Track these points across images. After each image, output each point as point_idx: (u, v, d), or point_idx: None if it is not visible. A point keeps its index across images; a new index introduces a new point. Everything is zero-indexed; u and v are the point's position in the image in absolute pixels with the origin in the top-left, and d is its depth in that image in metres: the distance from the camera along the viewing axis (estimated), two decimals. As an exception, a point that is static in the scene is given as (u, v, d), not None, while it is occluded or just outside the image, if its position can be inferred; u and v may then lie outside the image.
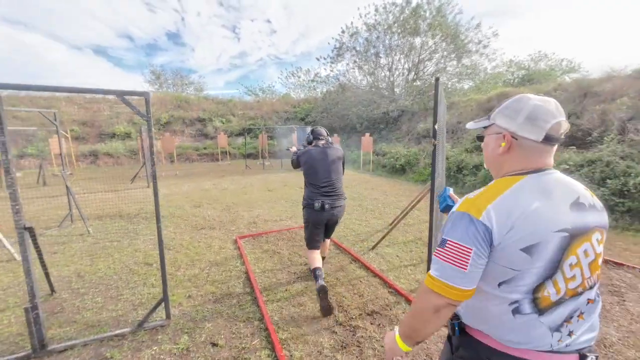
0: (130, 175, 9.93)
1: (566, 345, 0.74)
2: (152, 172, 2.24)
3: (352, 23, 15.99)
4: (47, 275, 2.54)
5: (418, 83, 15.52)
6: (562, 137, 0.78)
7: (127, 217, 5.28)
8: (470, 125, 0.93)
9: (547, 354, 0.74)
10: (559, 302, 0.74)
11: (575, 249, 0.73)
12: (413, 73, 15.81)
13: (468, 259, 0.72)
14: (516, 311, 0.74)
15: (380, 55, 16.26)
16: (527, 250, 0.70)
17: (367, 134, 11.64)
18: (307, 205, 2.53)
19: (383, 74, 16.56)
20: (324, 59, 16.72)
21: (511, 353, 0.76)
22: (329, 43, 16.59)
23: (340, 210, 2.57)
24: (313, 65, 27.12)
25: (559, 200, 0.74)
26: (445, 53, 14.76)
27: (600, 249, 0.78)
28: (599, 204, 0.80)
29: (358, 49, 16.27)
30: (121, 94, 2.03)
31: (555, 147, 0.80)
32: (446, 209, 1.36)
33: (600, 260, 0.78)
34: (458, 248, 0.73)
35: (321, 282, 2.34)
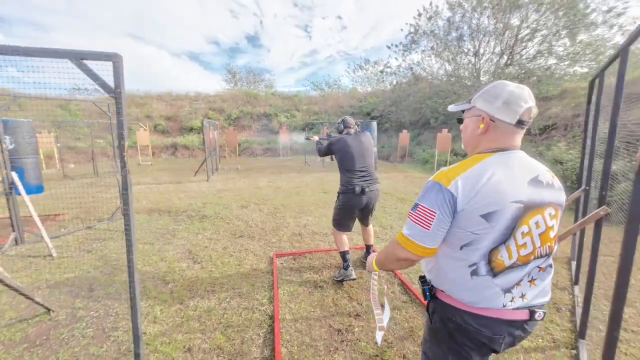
0: (202, 167, 10.26)
1: (517, 306, 0.87)
2: (122, 165, 1.50)
3: (431, 3, 13.83)
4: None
5: (512, 69, 12.73)
6: (531, 121, 0.88)
7: (174, 214, 5.01)
8: (451, 107, 1.04)
9: (499, 310, 0.86)
10: (511, 267, 0.85)
11: (527, 219, 0.84)
12: (506, 57, 13.04)
13: (432, 221, 0.85)
14: (474, 273, 0.86)
15: (464, 38, 13.87)
16: (486, 216, 0.81)
17: (445, 130, 9.83)
18: (347, 191, 2.59)
19: (466, 60, 14.12)
20: (396, 46, 15.04)
21: (472, 311, 0.88)
22: (402, 29, 14.74)
23: (376, 193, 2.70)
24: (382, 57, 25.37)
25: (519, 175, 0.85)
26: (554, 29, 11.67)
27: (552, 222, 0.88)
28: (557, 184, 0.91)
29: (437, 32, 14.16)
30: (78, 57, 1.32)
31: (524, 129, 0.90)
32: None
33: (552, 234, 0.88)
34: (425, 211, 0.86)
35: (352, 272, 2.65)
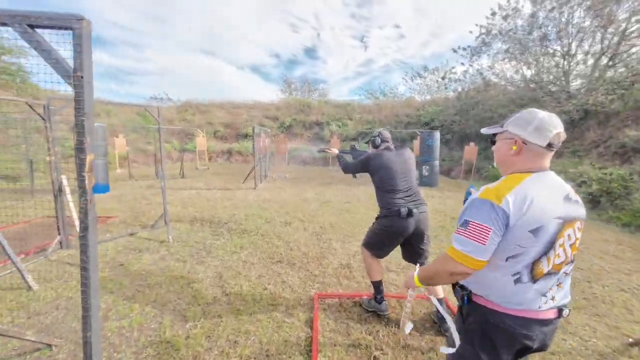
0: (250, 174, 10.27)
1: (549, 307, 0.99)
2: (81, 184, 1.01)
3: (508, 0, 12.19)
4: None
5: (615, 72, 10.41)
6: (559, 145, 0.99)
7: (215, 225, 4.72)
8: (484, 130, 1.16)
9: (535, 311, 0.98)
10: (547, 274, 0.97)
11: (563, 233, 0.95)
12: (607, 58, 10.74)
13: (487, 236, 0.92)
14: (517, 280, 0.97)
15: (550, 37, 11.87)
16: (534, 231, 0.92)
17: (472, 144, 8.30)
18: (390, 214, 2.18)
19: (551, 63, 12.04)
20: (464, 49, 13.55)
21: (510, 313, 0.98)
22: (470, 32, 13.26)
23: (426, 217, 2.27)
24: (443, 64, 23.52)
25: (555, 194, 0.97)
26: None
27: (579, 234, 1.00)
28: (579, 199, 1.03)
29: (514, 33, 12.37)
30: (24, 23, 0.84)
31: (553, 152, 1.00)
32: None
33: (577, 243, 1.01)
34: (480, 227, 0.93)
35: (386, 307, 2.36)
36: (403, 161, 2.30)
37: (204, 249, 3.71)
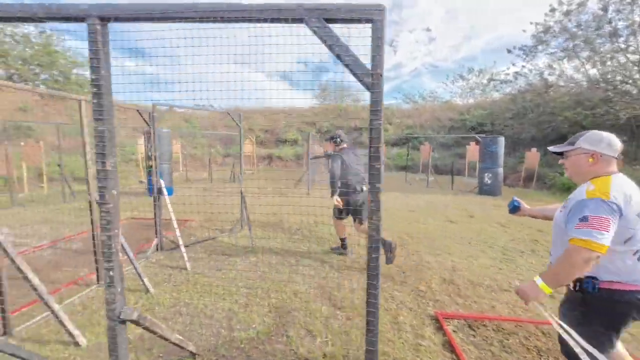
0: (293, 178, 10.32)
1: None
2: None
3: (574, -6, 11.30)
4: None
5: None
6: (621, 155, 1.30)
7: (288, 231, 4.68)
8: (553, 148, 1.45)
9: None
10: None
11: None
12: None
13: (608, 225, 1.14)
14: (629, 255, 1.21)
15: (621, 33, 10.81)
16: (639, 214, 1.19)
17: (534, 149, 7.54)
18: (349, 190, 3.38)
19: (623, 60, 10.93)
20: (521, 49, 12.73)
21: (629, 287, 1.20)
22: (524, 30, 12.43)
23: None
24: (481, 65, 22.44)
25: (634, 187, 1.26)
26: None
27: None
28: None
29: (579, 30, 11.42)
30: (321, 17, 0.76)
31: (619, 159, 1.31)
32: (514, 209, 1.77)
33: None
34: (601, 219, 1.15)
35: (350, 251, 3.73)
36: (356, 156, 3.59)
37: (290, 255, 3.65)
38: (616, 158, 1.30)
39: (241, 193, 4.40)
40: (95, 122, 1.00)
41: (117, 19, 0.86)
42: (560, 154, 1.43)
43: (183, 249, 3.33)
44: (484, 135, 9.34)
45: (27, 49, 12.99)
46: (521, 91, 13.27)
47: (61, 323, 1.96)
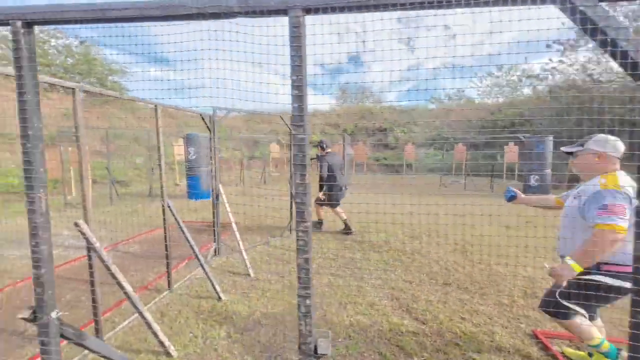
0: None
1: None
2: None
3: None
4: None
5: None
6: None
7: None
8: (565, 148, 1.73)
9: None
10: None
11: None
12: None
13: (625, 210, 1.41)
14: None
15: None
16: (635, 205, 1.30)
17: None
18: (335, 188, 4.69)
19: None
20: (560, 43, 12.07)
21: (628, 269, 1.41)
22: (563, 23, 11.71)
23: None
24: (515, 61, 21.48)
25: (633, 181, 1.46)
26: None
27: None
28: None
29: (624, 19, 10.66)
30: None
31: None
32: (511, 198, 2.01)
33: None
34: (618, 206, 1.42)
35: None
36: (339, 159, 4.89)
37: (349, 262, 3.52)
38: (619, 158, 1.58)
39: (291, 196, 4.32)
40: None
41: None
42: (571, 153, 1.71)
43: (245, 254, 3.28)
44: (528, 135, 8.85)
45: (68, 59, 13.71)
46: (562, 87, 12.55)
47: (154, 334, 1.93)
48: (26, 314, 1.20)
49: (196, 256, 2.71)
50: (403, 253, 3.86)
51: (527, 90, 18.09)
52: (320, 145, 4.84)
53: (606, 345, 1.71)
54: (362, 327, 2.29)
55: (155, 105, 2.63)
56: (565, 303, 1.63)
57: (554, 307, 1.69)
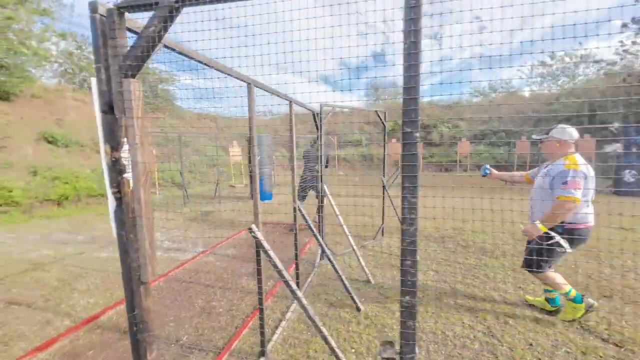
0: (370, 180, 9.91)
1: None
2: None
3: None
4: None
5: None
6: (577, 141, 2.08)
7: (435, 239, 4.22)
8: (535, 136, 2.23)
9: (591, 223, 2.03)
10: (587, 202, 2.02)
11: None
12: None
13: (581, 185, 1.90)
14: (587, 204, 2.00)
15: None
16: (590, 179, 1.96)
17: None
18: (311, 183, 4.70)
19: None
20: (635, 22, 10.77)
21: (586, 226, 2.02)
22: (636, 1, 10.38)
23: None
24: (556, 48, 19.72)
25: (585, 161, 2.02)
26: None
27: None
28: None
29: None
30: None
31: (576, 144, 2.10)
32: (485, 175, 2.51)
33: None
34: (577, 182, 1.90)
35: None
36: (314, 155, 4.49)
37: (474, 267, 3.19)
38: (574, 143, 2.08)
39: (389, 197, 4.06)
40: None
41: None
42: (540, 140, 2.20)
43: (362, 261, 3.06)
44: (618, 125, 7.90)
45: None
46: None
47: (332, 349, 1.74)
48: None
49: (333, 266, 2.53)
50: (518, 257, 3.45)
51: (591, 77, 16.55)
52: (311, 145, 5.10)
53: (573, 293, 2.17)
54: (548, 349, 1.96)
55: (290, 102, 2.49)
56: (539, 258, 2.08)
57: (531, 263, 2.16)
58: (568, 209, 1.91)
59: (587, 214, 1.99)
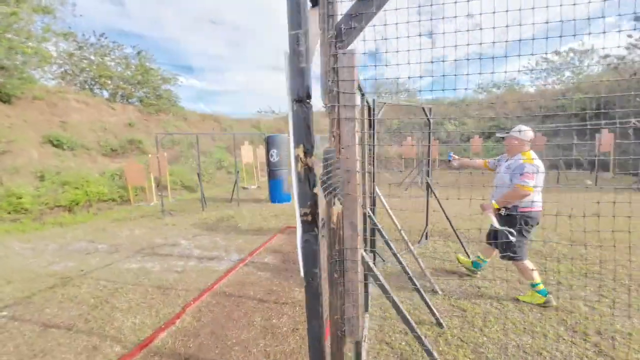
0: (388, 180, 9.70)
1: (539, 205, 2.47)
2: None
3: None
4: None
5: None
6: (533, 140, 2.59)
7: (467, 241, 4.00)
8: (499, 134, 2.67)
9: (539, 208, 2.45)
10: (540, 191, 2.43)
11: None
12: None
13: (534, 176, 2.29)
14: (538, 193, 2.39)
15: None
16: (541, 172, 2.36)
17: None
18: None
19: None
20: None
21: (536, 210, 2.42)
22: None
23: None
24: (549, 46, 19.70)
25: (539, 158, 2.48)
26: None
27: None
28: None
29: None
30: None
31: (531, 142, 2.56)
32: (450, 160, 2.98)
33: None
34: (530, 174, 2.29)
35: None
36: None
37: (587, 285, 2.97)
38: (529, 142, 2.50)
39: (436, 198, 3.83)
40: None
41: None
42: (503, 138, 2.63)
43: (422, 264, 2.83)
44: (633, 120, 7.74)
45: (127, 71, 14.13)
46: None
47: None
48: None
49: (411, 280, 2.29)
50: (587, 260, 3.25)
51: (597, 72, 16.53)
52: None
53: (541, 286, 2.47)
54: None
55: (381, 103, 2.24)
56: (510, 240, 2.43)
57: (507, 250, 2.50)
58: (521, 195, 2.31)
59: (537, 201, 2.40)
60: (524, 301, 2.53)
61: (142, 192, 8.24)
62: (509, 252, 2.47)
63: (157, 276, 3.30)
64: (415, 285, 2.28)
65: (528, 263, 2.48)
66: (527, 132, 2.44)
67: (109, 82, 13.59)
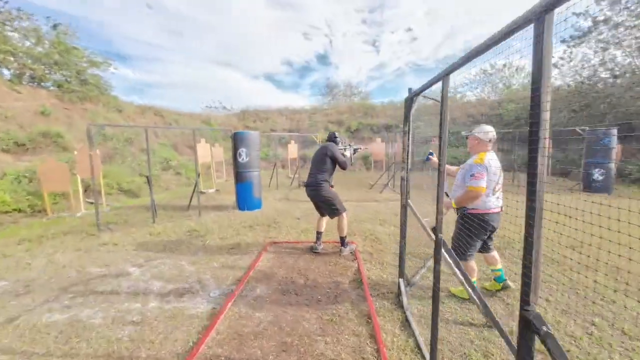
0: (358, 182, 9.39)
1: (498, 207, 2.46)
2: None
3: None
4: None
5: None
6: (494, 140, 2.48)
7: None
8: (463, 133, 2.73)
9: (494, 209, 2.44)
10: (496, 191, 2.44)
11: (500, 174, 2.45)
12: None
13: (484, 177, 2.31)
14: (488, 195, 2.39)
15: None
16: (494, 174, 2.37)
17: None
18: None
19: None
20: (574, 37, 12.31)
21: (486, 212, 2.42)
22: (574, 13, 11.90)
23: (313, 192, 3.63)
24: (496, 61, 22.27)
25: (497, 159, 2.45)
26: None
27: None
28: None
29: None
30: None
31: (492, 143, 2.47)
32: (427, 160, 2.94)
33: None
34: (481, 174, 2.30)
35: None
36: (316, 154, 3.75)
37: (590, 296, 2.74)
38: (490, 143, 2.45)
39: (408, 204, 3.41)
40: None
41: None
42: (467, 137, 2.61)
43: (465, 280, 2.35)
44: (585, 128, 8.65)
45: (39, 48, 11.34)
46: (587, 82, 12.69)
47: None
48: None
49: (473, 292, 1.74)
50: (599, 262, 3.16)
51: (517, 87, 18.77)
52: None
53: (498, 273, 2.68)
54: None
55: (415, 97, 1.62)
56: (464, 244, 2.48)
57: (455, 248, 2.49)
58: (473, 197, 2.33)
59: (491, 201, 2.41)
60: (454, 294, 2.69)
61: (63, 199, 6.43)
62: (457, 250, 2.47)
63: (100, 334, 2.22)
64: (490, 311, 1.75)
65: (473, 264, 2.57)
66: (488, 132, 2.42)
67: (11, 58, 10.71)
